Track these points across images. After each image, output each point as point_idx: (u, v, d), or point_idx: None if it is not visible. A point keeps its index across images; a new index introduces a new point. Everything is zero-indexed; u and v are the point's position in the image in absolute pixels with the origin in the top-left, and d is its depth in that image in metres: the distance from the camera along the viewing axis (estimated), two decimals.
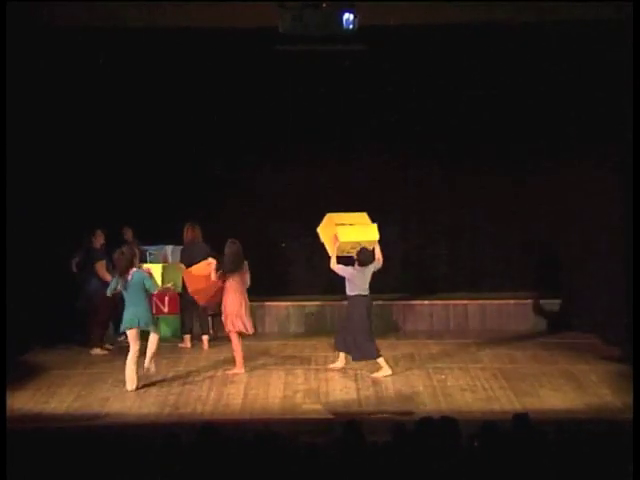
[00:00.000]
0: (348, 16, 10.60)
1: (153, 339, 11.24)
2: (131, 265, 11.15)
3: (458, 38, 13.08)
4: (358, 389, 11.11)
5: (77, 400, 10.75)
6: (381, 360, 11.68)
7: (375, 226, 11.91)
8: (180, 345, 13.24)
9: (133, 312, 11.12)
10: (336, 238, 11.71)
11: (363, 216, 12.07)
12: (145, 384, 11.22)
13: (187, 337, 13.30)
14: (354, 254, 11.68)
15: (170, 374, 11.68)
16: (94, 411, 10.36)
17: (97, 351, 12.86)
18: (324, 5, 10.63)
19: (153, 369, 11.28)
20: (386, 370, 11.64)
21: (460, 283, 14.58)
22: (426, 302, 14.29)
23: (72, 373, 11.84)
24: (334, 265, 11.70)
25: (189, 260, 12.51)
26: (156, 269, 11.54)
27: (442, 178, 14.58)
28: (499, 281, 14.49)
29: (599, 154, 13.02)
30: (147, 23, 12.13)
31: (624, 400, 10.19)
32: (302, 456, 6.58)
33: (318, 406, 10.53)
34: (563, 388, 11.02)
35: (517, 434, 7.11)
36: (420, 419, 7.09)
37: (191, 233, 13.17)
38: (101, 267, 12.80)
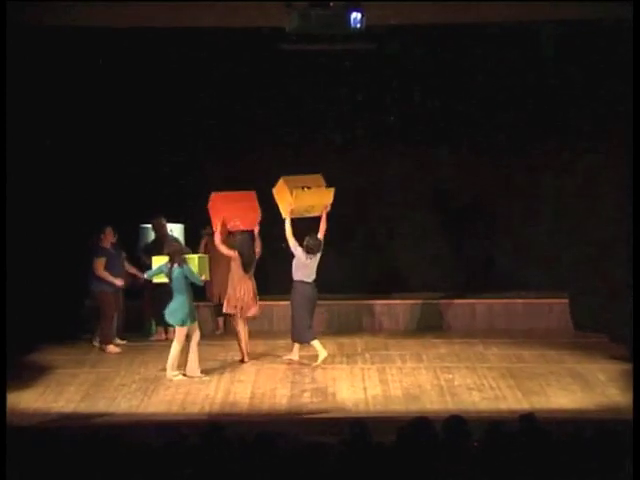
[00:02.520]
0: (356, 15, 10.59)
1: (194, 350, 11.59)
2: (181, 259, 11.44)
3: (463, 37, 13.16)
4: (365, 388, 11.11)
5: (84, 399, 10.76)
6: (315, 343, 12.02)
7: (331, 190, 12.09)
8: (153, 338, 13.43)
9: (171, 307, 11.50)
10: (290, 202, 11.89)
11: (319, 178, 12.18)
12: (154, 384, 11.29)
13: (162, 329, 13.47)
14: (305, 242, 11.91)
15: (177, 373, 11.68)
16: (101, 410, 10.37)
17: (111, 348, 12.85)
18: (331, 4, 10.61)
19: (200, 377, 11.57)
20: (322, 353, 11.99)
21: (467, 282, 14.56)
22: (433, 301, 14.28)
23: (79, 372, 11.85)
24: (289, 234, 11.93)
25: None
26: (192, 260, 11.67)
27: (450, 176, 14.55)
28: (506, 280, 14.47)
29: (605, 152, 13.03)
30: (152, 23, 12.15)
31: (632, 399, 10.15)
32: (309, 456, 6.57)
33: (325, 405, 10.53)
34: (571, 387, 11.01)
35: (524, 434, 7.09)
36: (427, 418, 7.07)
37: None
38: (100, 265, 12.80)
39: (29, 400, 10.71)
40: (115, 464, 6.61)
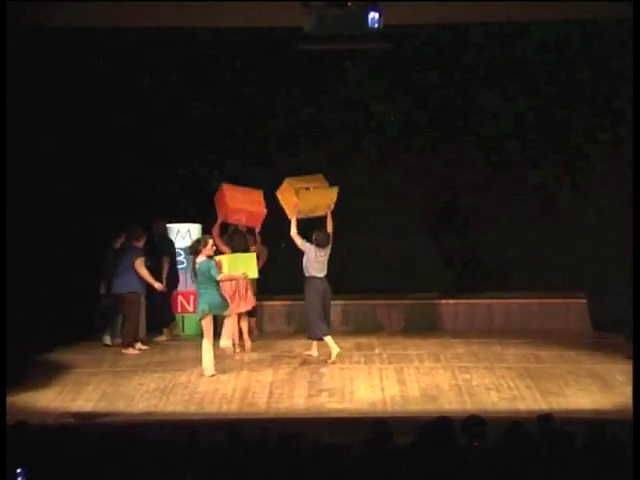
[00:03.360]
0: (373, 15, 10.60)
1: (227, 322, 11.68)
2: (197, 253, 11.52)
3: (474, 37, 13.24)
4: (383, 388, 11.09)
5: (103, 399, 10.79)
6: (328, 339, 12.07)
7: (335, 189, 12.23)
8: (158, 339, 13.47)
9: (205, 300, 11.49)
10: (296, 202, 12.05)
11: (320, 178, 12.34)
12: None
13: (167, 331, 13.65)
14: (313, 236, 12.09)
15: (195, 373, 11.70)
16: (119, 409, 10.40)
17: (130, 350, 12.82)
18: (349, 4, 10.63)
19: (230, 349, 11.73)
20: (334, 349, 12.03)
21: (485, 282, 14.53)
22: (451, 301, 14.26)
23: (98, 372, 11.88)
24: (294, 233, 12.10)
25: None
26: (225, 258, 11.84)
27: (464, 176, 14.55)
28: (524, 280, 14.44)
29: (616, 151, 13.07)
30: (160, 23, 12.20)
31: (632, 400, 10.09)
32: (327, 456, 6.57)
33: (343, 406, 10.52)
34: (589, 388, 10.97)
35: (542, 434, 7.08)
36: (446, 418, 7.07)
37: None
38: (141, 264, 12.77)
39: (47, 399, 10.75)
40: (133, 463, 6.63)
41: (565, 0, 11.69)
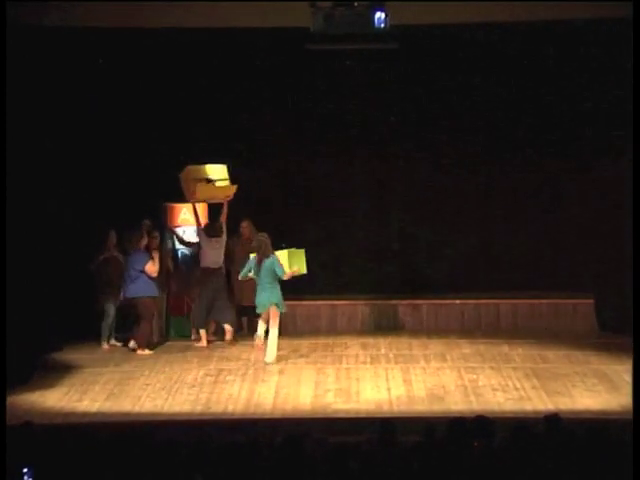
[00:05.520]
0: (379, 15, 10.62)
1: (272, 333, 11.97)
2: (269, 250, 11.84)
3: (480, 36, 13.26)
4: (389, 388, 11.09)
5: (109, 398, 10.79)
6: (202, 332, 12.98)
7: (234, 187, 12.88)
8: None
9: (266, 296, 11.83)
10: (193, 194, 12.82)
11: (223, 170, 13.04)
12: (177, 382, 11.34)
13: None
14: (203, 225, 12.88)
15: (201, 373, 11.71)
16: (126, 410, 10.40)
17: (146, 352, 12.65)
18: (355, 4, 10.65)
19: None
20: (202, 343, 12.96)
21: (492, 282, 14.52)
22: (457, 301, 14.25)
23: (104, 371, 11.88)
24: (196, 219, 12.90)
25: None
26: (282, 255, 12.01)
27: (470, 176, 14.52)
28: (531, 280, 14.43)
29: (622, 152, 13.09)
30: (177, 23, 12.21)
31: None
32: (332, 456, 6.57)
33: (349, 405, 10.52)
34: (596, 388, 10.95)
35: (549, 435, 7.07)
36: (454, 419, 7.07)
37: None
38: (151, 267, 12.69)
39: (54, 399, 10.76)
40: (139, 463, 6.64)
41: (565, 0, 11.73)
